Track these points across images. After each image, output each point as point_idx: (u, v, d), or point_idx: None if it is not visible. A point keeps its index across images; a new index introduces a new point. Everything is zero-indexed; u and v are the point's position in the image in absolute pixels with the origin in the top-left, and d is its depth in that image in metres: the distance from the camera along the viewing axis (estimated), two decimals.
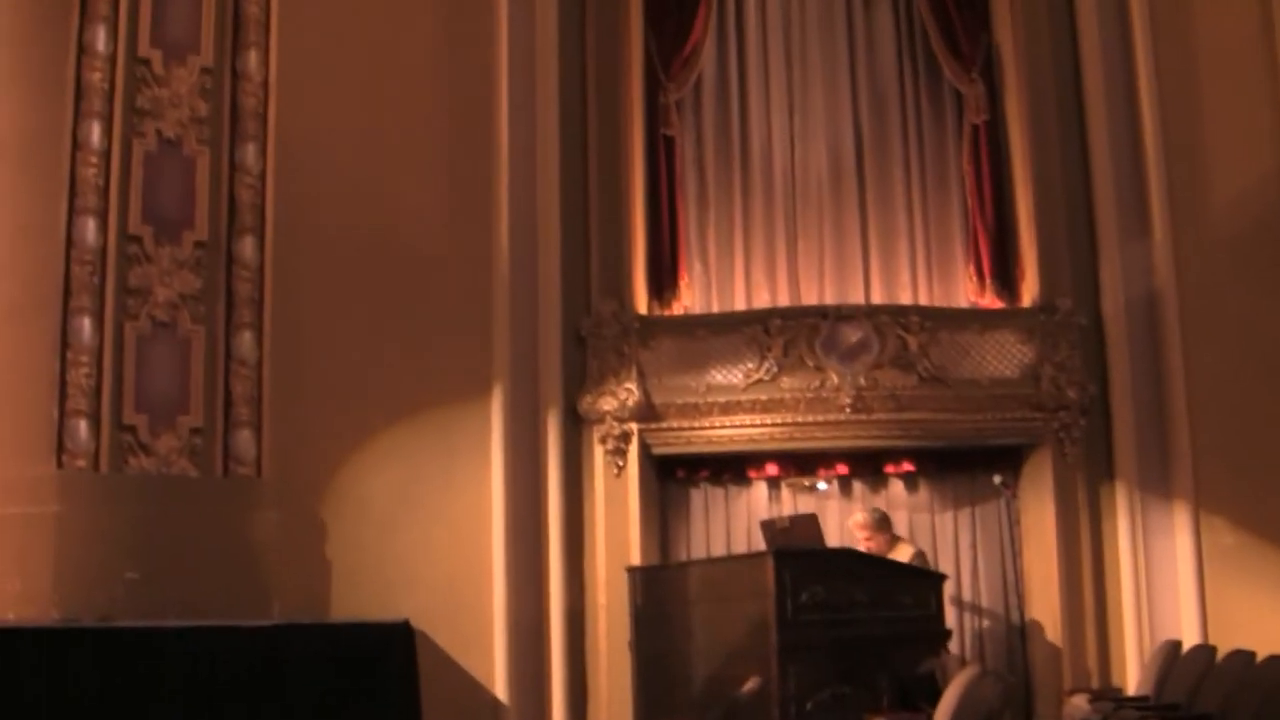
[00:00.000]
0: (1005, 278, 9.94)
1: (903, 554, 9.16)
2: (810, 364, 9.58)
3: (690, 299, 10.09)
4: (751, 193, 10.28)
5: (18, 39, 8.58)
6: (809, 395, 9.53)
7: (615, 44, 10.11)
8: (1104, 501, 9.59)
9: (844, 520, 9.77)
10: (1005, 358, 9.63)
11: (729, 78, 10.41)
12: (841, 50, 10.36)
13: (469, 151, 9.75)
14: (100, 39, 8.66)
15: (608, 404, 9.62)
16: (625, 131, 10.01)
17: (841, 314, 9.67)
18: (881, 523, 9.29)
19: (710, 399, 9.63)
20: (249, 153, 9.06)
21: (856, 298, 10.06)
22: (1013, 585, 9.61)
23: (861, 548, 9.16)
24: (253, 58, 9.15)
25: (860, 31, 10.42)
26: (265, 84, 9.16)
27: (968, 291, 10.04)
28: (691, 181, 10.29)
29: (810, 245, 10.20)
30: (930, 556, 9.52)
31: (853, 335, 9.60)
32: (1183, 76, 9.81)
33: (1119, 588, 9.48)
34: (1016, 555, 9.54)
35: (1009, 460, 9.80)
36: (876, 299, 10.05)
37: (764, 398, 9.57)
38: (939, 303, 10.03)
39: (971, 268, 10.03)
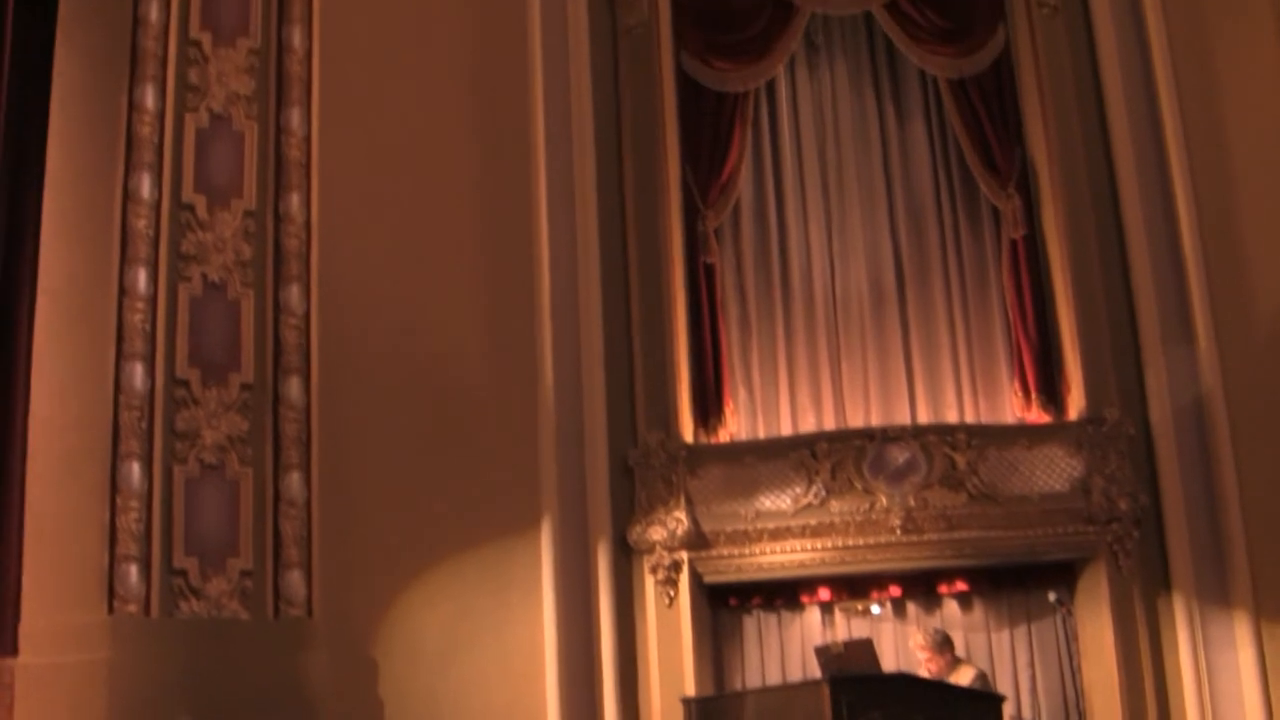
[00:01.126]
0: (1051, 391, 9.89)
1: (964, 676, 9.00)
2: (859, 486, 9.54)
3: (736, 426, 10.08)
4: (793, 316, 10.33)
5: (66, 188, 8.70)
6: (859, 518, 9.48)
7: (653, 174, 10.22)
8: (1162, 614, 9.44)
9: (899, 643, 9.66)
10: (1054, 472, 9.57)
11: (766, 203, 10.50)
12: (877, 169, 10.47)
13: (511, 286, 9.82)
14: (145, 186, 8.76)
15: (657, 534, 9.58)
16: (666, 260, 10.07)
17: (888, 435, 9.65)
18: (943, 644, 9.14)
19: (760, 525, 9.58)
20: (293, 294, 9.09)
21: (902, 418, 10.03)
22: (1073, 703, 9.40)
23: (922, 670, 9.01)
24: (295, 200, 9.21)
25: (895, 150, 10.53)
26: (307, 225, 9.22)
27: (1014, 407, 9.99)
28: (734, 308, 10.33)
29: (854, 367, 10.21)
30: (988, 676, 9.39)
31: (900, 456, 9.57)
32: (1218, 182, 9.86)
33: (1182, 702, 9.31)
34: (1076, 672, 9.36)
35: (1063, 575, 9.67)
36: (922, 418, 10.03)
37: (814, 522, 9.52)
38: (985, 419, 9.99)
39: (1016, 383, 10.00)
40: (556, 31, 10.34)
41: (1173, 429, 9.62)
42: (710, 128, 10.38)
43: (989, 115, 10.29)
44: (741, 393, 10.21)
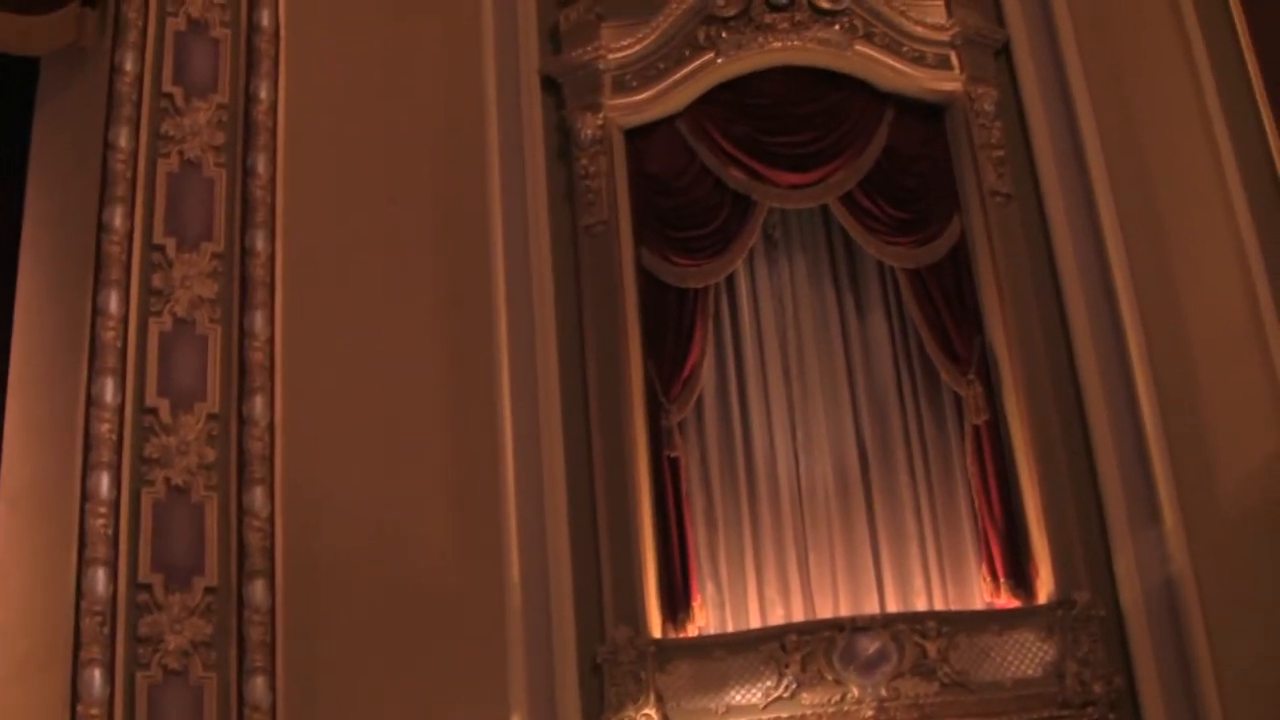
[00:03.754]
0: (1019, 575, 9.81)
1: None
2: (830, 678, 9.41)
3: (705, 620, 9.96)
4: (759, 509, 10.29)
5: (27, 391, 8.74)
6: (830, 710, 9.33)
7: (616, 370, 10.23)
8: None
9: None
10: (1027, 657, 9.46)
11: (729, 396, 10.54)
12: (839, 359, 10.54)
13: (476, 485, 9.78)
14: (109, 390, 8.76)
15: None
16: (630, 456, 10.04)
17: (857, 625, 9.54)
18: None
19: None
20: (257, 497, 9.03)
21: (871, 607, 9.96)
22: None
23: None
24: (259, 403, 9.20)
25: (856, 340, 10.61)
26: (271, 428, 9.21)
27: (983, 592, 9.91)
28: (699, 502, 10.30)
29: (822, 558, 10.14)
30: None
31: (870, 646, 9.47)
32: (1177, 362, 9.91)
33: None
34: None
35: None
36: (892, 607, 9.96)
37: (785, 715, 9.36)
38: (954, 606, 9.91)
39: (984, 568, 9.93)
40: (518, 231, 10.46)
41: (1144, 610, 9.52)
42: (672, 323, 10.45)
43: (947, 303, 10.39)
44: (709, 586, 10.11)
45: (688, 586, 9.97)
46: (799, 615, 9.99)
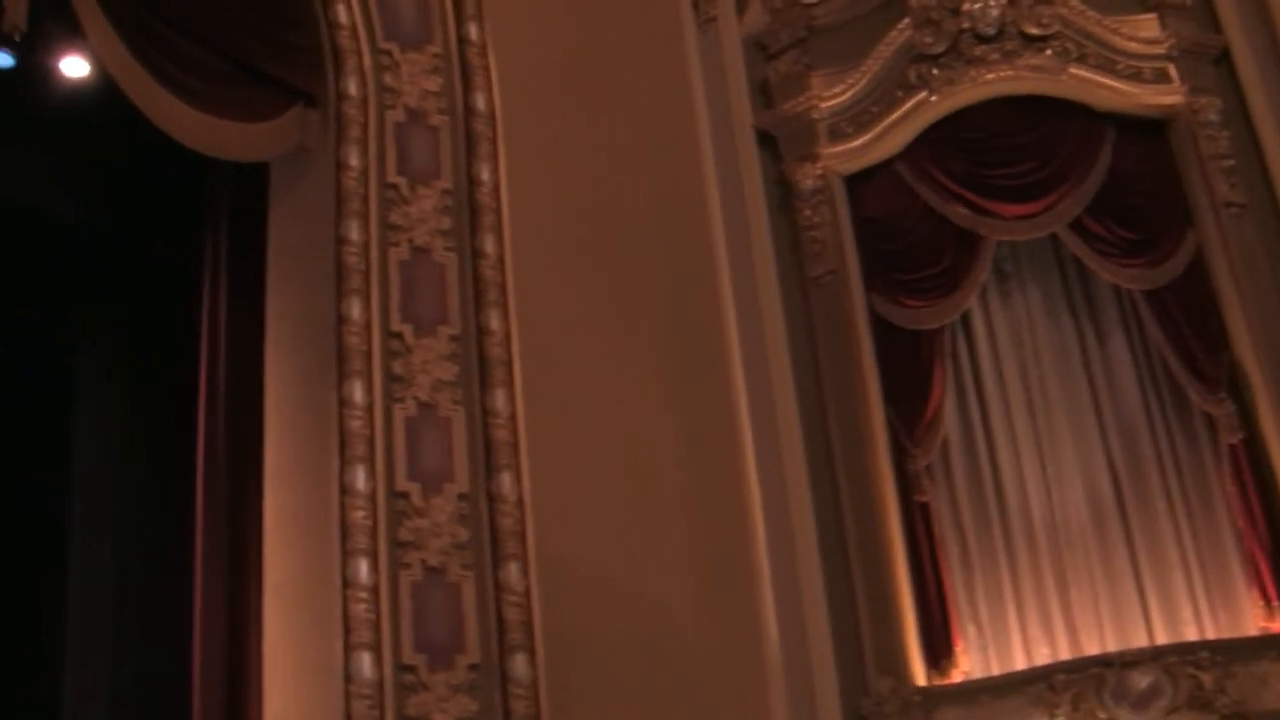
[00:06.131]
0: None
1: None
2: (1102, 717, 9.15)
3: (968, 664, 9.80)
4: (1014, 547, 10.11)
5: (283, 485, 8.97)
6: None
7: (856, 418, 10.19)
8: None
9: None
10: None
11: (974, 435, 10.40)
12: (1083, 390, 10.32)
13: (725, 547, 9.78)
14: (360, 478, 8.94)
15: None
16: (879, 503, 9.97)
17: (1126, 660, 9.28)
18: None
19: None
20: (511, 572, 9.13)
21: (1140, 640, 9.67)
22: None
23: None
24: (505, 480, 9.31)
25: (1098, 368, 10.38)
26: (520, 503, 9.31)
27: (1255, 618, 9.56)
28: (952, 544, 10.16)
29: (1083, 591, 9.90)
30: None
31: (1142, 681, 9.21)
32: None
33: None
34: None
35: None
36: (1161, 639, 9.66)
37: None
38: (1226, 634, 9.56)
39: (1255, 591, 9.57)
40: (746, 288, 10.50)
41: None
42: (909, 367, 10.36)
43: (1189, 321, 10.09)
44: (970, 629, 9.95)
45: (948, 631, 9.84)
46: (1065, 653, 9.75)
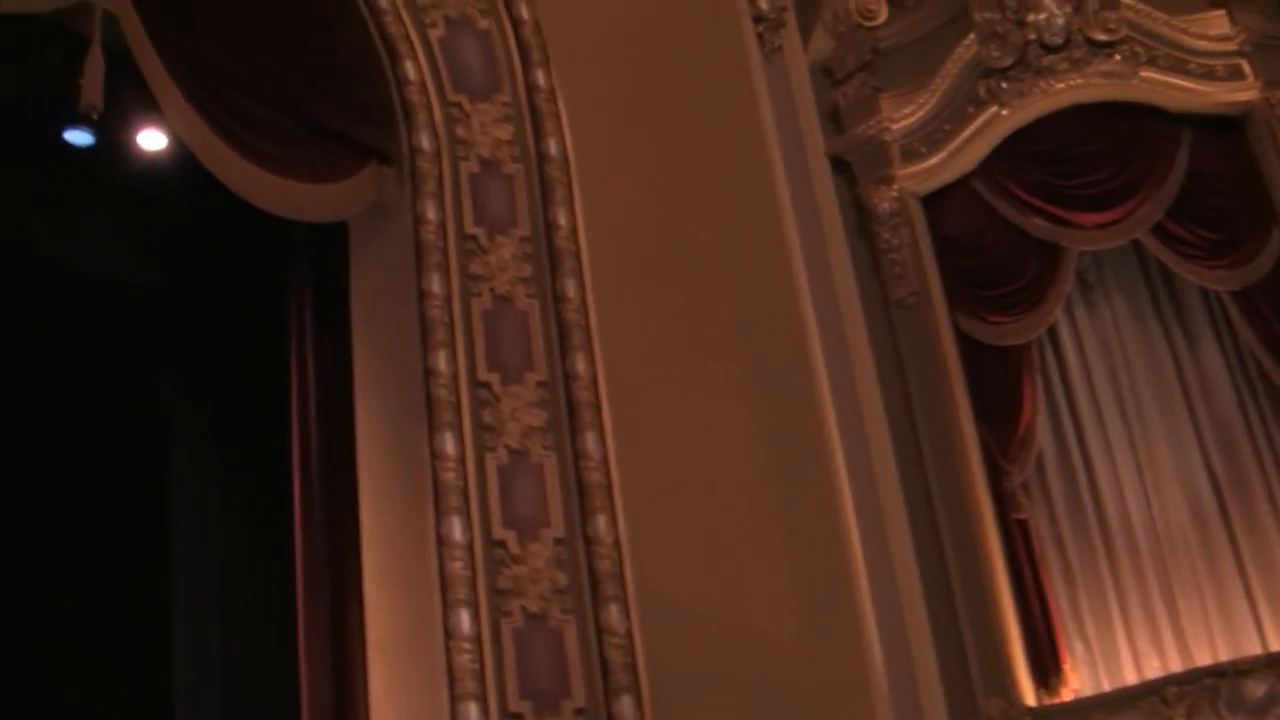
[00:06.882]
0: None
1: None
2: None
3: (1078, 681, 9.67)
4: (1117, 559, 9.99)
5: (380, 541, 9.02)
6: None
7: (948, 437, 10.12)
8: None
9: None
10: None
11: (1068, 448, 10.29)
12: (1176, 395, 10.23)
13: (823, 576, 9.67)
14: (456, 529, 8.94)
15: None
16: (978, 524, 9.86)
17: (1240, 669, 9.11)
18: None
19: None
20: (612, 614, 9.10)
21: (1252, 648, 9.50)
22: None
23: None
24: (601, 522, 9.30)
25: (1191, 373, 10.28)
26: (617, 545, 9.30)
27: None
28: (1054, 560, 10.05)
29: (1190, 601, 9.77)
30: None
31: (1257, 689, 9.05)
32: None
33: None
34: None
35: None
36: (1274, 645, 9.48)
37: None
38: None
39: None
40: (829, 315, 10.45)
41: None
42: (999, 384, 10.28)
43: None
44: (1078, 645, 9.83)
45: (1055, 649, 9.70)
46: (1175, 665, 9.60)
